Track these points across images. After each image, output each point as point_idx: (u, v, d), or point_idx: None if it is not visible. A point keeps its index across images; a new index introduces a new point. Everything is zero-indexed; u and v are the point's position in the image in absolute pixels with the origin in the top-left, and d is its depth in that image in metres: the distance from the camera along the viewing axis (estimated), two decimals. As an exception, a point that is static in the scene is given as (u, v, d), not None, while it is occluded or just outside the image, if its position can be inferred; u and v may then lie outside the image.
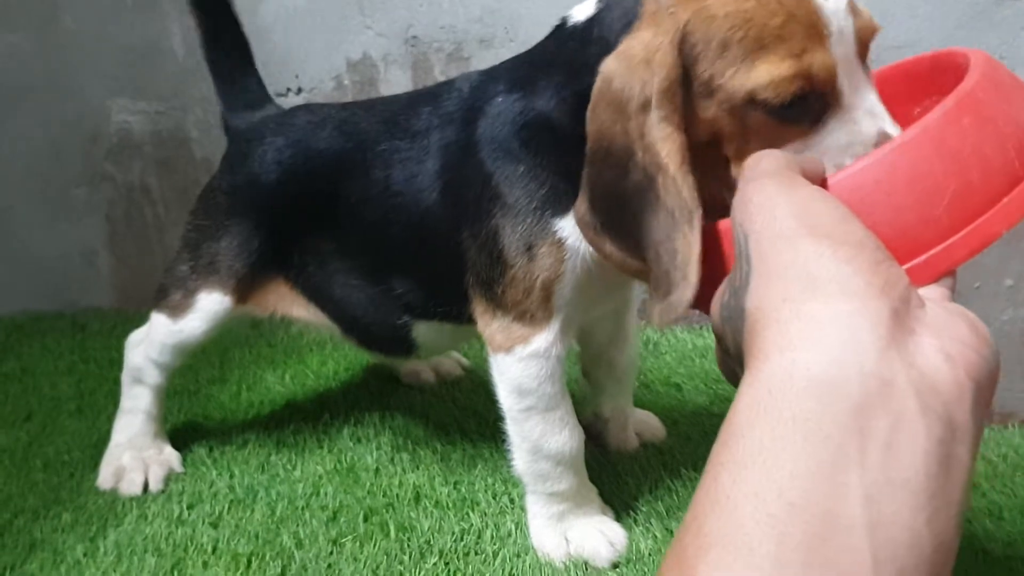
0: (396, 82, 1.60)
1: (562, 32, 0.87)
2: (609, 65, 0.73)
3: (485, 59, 1.52)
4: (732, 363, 0.61)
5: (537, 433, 0.95)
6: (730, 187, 0.71)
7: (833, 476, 0.44)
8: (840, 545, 0.43)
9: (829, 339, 0.47)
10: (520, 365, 0.93)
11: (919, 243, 0.58)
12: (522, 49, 1.45)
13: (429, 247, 0.98)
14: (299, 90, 1.66)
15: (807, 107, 0.69)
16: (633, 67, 0.71)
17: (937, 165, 0.59)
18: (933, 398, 0.46)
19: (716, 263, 0.67)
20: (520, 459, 0.98)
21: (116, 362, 1.27)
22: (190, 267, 1.15)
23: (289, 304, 1.14)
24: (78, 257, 1.93)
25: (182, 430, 1.33)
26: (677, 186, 0.68)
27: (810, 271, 0.50)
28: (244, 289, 1.13)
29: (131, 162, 1.83)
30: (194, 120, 1.75)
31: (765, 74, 0.67)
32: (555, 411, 0.95)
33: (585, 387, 1.20)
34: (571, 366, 1.29)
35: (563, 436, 0.96)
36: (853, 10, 0.70)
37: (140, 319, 1.24)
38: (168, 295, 1.17)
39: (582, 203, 0.77)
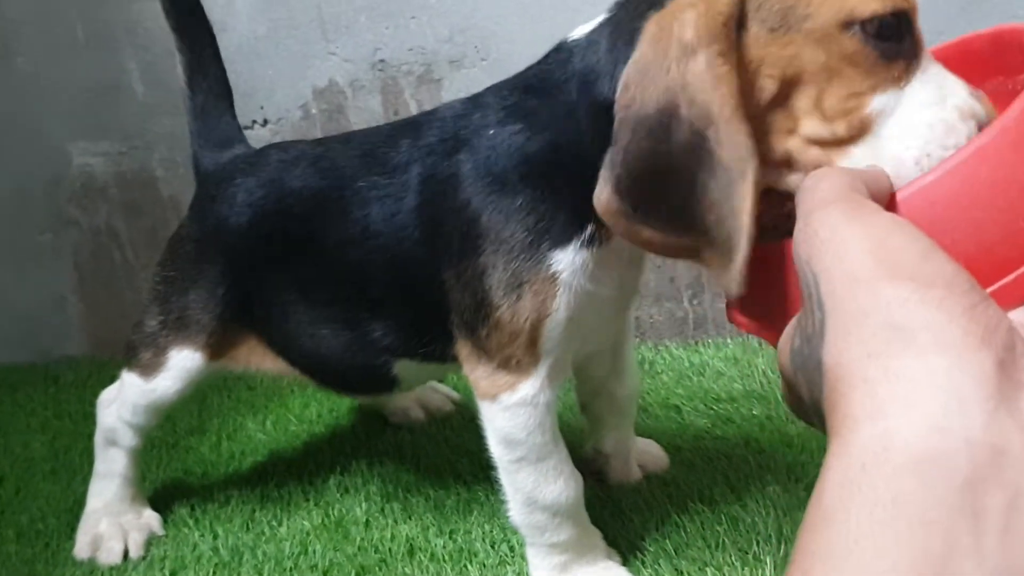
0: (366, 108, 1.54)
1: (562, 52, 0.80)
2: (649, 27, 0.66)
3: (456, 80, 1.47)
4: (806, 408, 0.54)
5: (530, 485, 0.90)
6: (788, 161, 0.65)
7: (944, 568, 0.37)
8: None
9: (927, 402, 0.41)
10: (507, 414, 0.87)
11: (1004, 261, 0.52)
12: (495, 68, 1.40)
13: (412, 289, 0.93)
14: (265, 122, 1.60)
15: (900, 44, 0.62)
16: (675, 17, 0.64)
17: (1020, 171, 0.52)
18: None
19: (782, 288, 0.60)
20: (516, 511, 0.92)
21: (91, 416, 1.21)
22: (159, 322, 1.09)
23: (261, 357, 1.08)
24: (48, 305, 1.87)
25: (161, 488, 1.27)
26: (731, 133, 0.61)
27: (895, 321, 0.44)
28: (216, 344, 1.07)
29: (96, 205, 1.77)
30: (159, 158, 1.69)
31: None
32: (547, 461, 0.90)
33: (584, 420, 1.14)
34: (567, 393, 1.24)
35: (558, 486, 0.90)
36: None
37: (114, 366, 1.18)
38: (138, 353, 1.11)
39: (605, 191, 0.68)
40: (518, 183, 0.81)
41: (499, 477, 0.92)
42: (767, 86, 0.64)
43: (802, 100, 0.64)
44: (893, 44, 0.62)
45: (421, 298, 0.92)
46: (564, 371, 0.90)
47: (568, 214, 0.80)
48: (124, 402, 1.13)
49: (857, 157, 0.63)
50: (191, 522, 1.17)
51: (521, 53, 1.21)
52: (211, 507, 1.20)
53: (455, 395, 1.41)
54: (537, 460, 0.89)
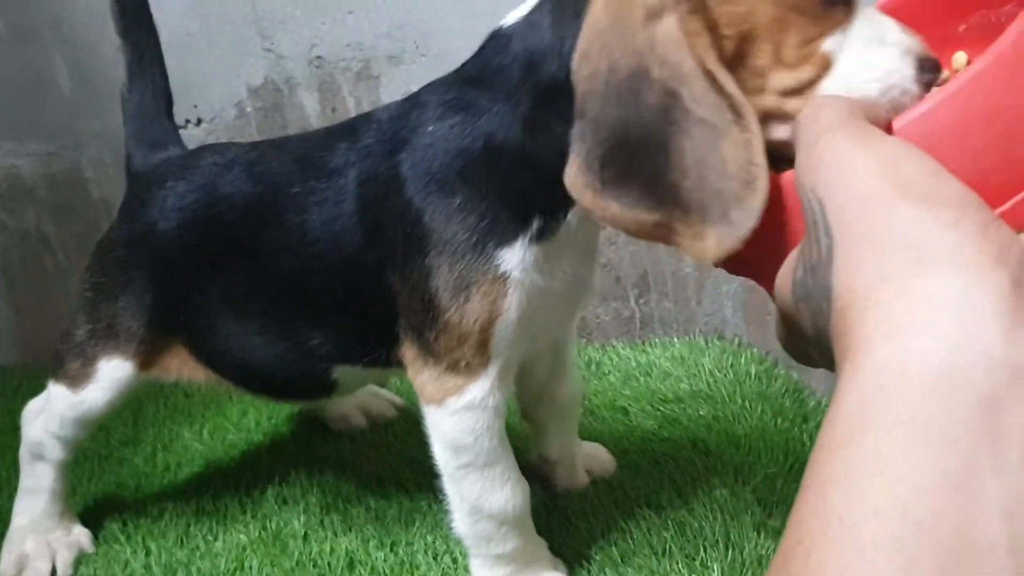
0: (302, 106, 1.50)
1: (498, 40, 0.78)
2: (599, 2, 0.65)
3: (396, 77, 1.43)
4: (807, 346, 0.54)
5: (476, 492, 0.87)
6: (769, 115, 0.65)
7: (966, 487, 0.36)
8: (980, 569, 0.36)
9: (945, 321, 0.40)
10: (454, 419, 0.85)
11: (1005, 187, 0.52)
12: (435, 64, 1.37)
13: (354, 295, 0.90)
14: (199, 120, 1.55)
15: None
16: None
17: (1016, 97, 0.51)
18: None
19: (774, 226, 0.59)
20: (460, 520, 0.90)
21: (19, 428, 1.16)
22: (88, 331, 1.05)
23: (192, 368, 1.04)
24: (-26, 313, 1.80)
25: (93, 502, 1.23)
26: (718, 84, 0.61)
27: (911, 240, 0.43)
28: (147, 353, 1.03)
29: (24, 208, 1.70)
30: (89, 159, 1.63)
31: None
32: (495, 467, 0.87)
33: (527, 427, 1.12)
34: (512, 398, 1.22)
35: (505, 493, 0.88)
36: None
37: (45, 376, 1.13)
38: (66, 363, 1.07)
39: (572, 166, 0.67)
40: (456, 181, 0.79)
41: (443, 486, 0.90)
42: (727, 45, 0.64)
43: (762, 55, 0.65)
44: None
45: (364, 304, 0.89)
46: (511, 375, 0.88)
47: (512, 210, 0.78)
48: (51, 414, 1.09)
49: (830, 91, 0.64)
50: (123, 538, 1.13)
51: (461, 48, 1.17)
52: (144, 522, 1.16)
53: (398, 400, 1.38)
54: (484, 466, 0.87)
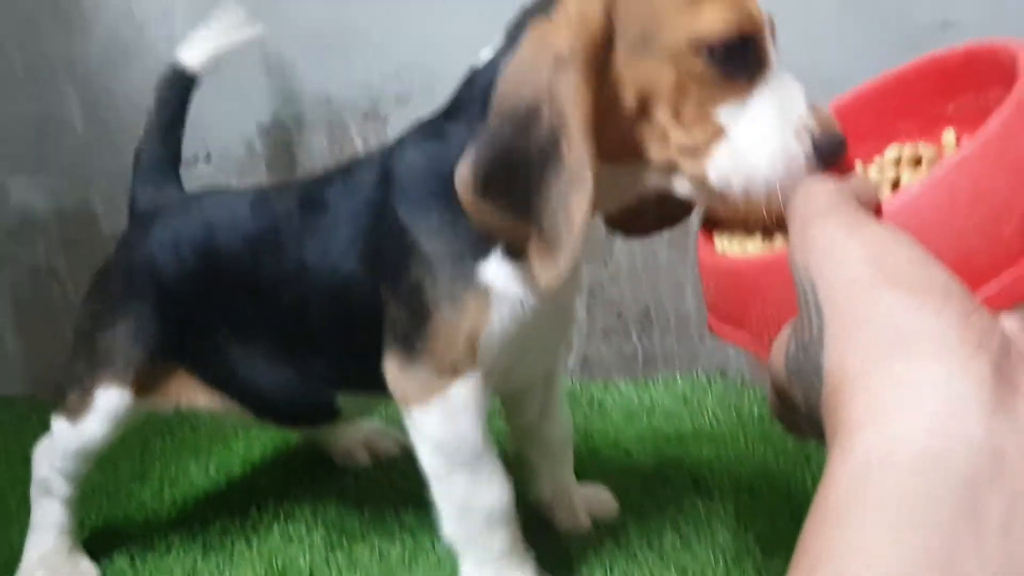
0: (311, 145, 1.52)
1: (469, 75, 0.85)
2: (531, 33, 0.73)
3: (403, 117, 1.43)
4: (798, 418, 0.55)
5: (463, 489, 0.90)
6: (671, 167, 0.73)
7: (948, 568, 0.37)
8: None
9: (928, 406, 0.41)
10: (440, 418, 0.88)
11: (988, 268, 0.53)
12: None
13: (352, 319, 0.94)
14: (208, 157, 1.57)
15: (745, 60, 0.69)
16: (554, 30, 0.71)
17: (1001, 180, 0.53)
18: None
19: (773, 298, 0.61)
20: (448, 522, 0.92)
21: (29, 460, 1.17)
22: (85, 362, 1.08)
23: (193, 394, 1.07)
24: (-16, 344, 1.82)
25: (101, 536, 1.23)
26: (578, 145, 0.70)
27: (897, 326, 0.44)
28: (144, 380, 1.06)
29: (35, 242, 1.72)
30: (99, 195, 1.66)
31: (711, 16, 0.68)
32: (479, 463, 0.90)
33: (521, 470, 1.13)
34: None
35: (492, 490, 0.91)
36: None
37: (54, 407, 1.13)
38: (66, 396, 1.09)
39: (467, 163, 0.76)
40: (432, 200, 0.85)
41: (431, 491, 0.92)
42: (628, 101, 0.72)
43: (661, 113, 0.71)
44: (737, 63, 0.69)
45: (360, 326, 0.93)
46: (495, 380, 0.91)
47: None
48: (55, 449, 1.11)
49: (720, 159, 0.70)
50: (131, 573, 1.13)
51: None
52: (151, 557, 1.17)
53: (403, 439, 1.39)
54: (469, 463, 0.90)
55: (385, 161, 0.91)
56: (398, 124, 1.44)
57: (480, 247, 0.83)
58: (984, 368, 0.42)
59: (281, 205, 0.99)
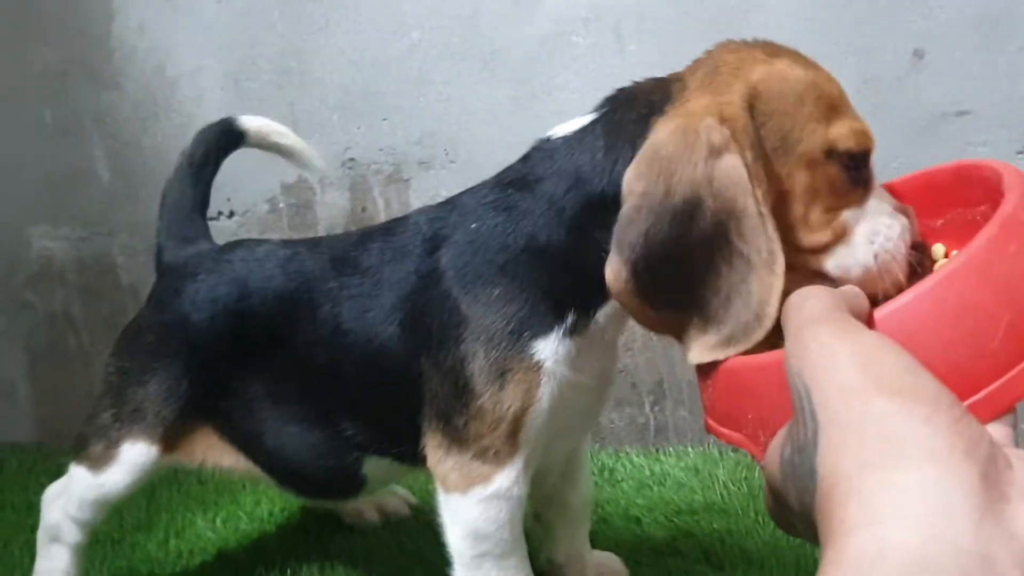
0: (333, 204, 1.55)
1: (543, 150, 0.85)
2: (664, 127, 0.73)
3: (425, 181, 1.48)
4: (793, 518, 0.57)
5: None
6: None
7: None
8: None
9: (919, 511, 0.43)
10: (479, 508, 0.86)
11: (975, 378, 0.55)
12: (463, 171, 1.42)
13: (385, 384, 0.92)
14: (231, 213, 1.60)
15: (865, 172, 0.75)
16: (697, 120, 0.72)
17: (987, 295, 0.56)
18: None
19: (752, 397, 0.63)
20: None
21: (34, 506, 1.17)
22: (112, 415, 1.07)
23: (218, 454, 1.05)
24: (-5, 389, 1.83)
25: (104, 586, 1.23)
26: (765, 228, 0.70)
27: (888, 433, 0.46)
28: (171, 437, 1.05)
29: (53, 290, 1.74)
30: (120, 246, 1.68)
31: (846, 126, 0.73)
32: (511, 557, 0.89)
33: (537, 530, 1.12)
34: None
35: None
36: None
37: (62, 455, 1.15)
38: (88, 446, 1.08)
39: (621, 271, 0.73)
40: (497, 273, 0.83)
41: (455, 573, 0.90)
42: (768, 198, 0.72)
43: (792, 215, 0.74)
44: (861, 173, 0.75)
45: (394, 393, 0.92)
46: (535, 467, 0.90)
47: (549, 303, 0.82)
48: (71, 497, 1.10)
49: (841, 255, 0.74)
50: (133, 625, 1.13)
51: (488, 157, 1.22)
52: (155, 611, 1.16)
53: (413, 499, 1.39)
54: (501, 556, 0.88)
55: (436, 230, 0.89)
56: (420, 187, 1.48)
57: (544, 323, 0.82)
58: (972, 475, 0.44)
59: (315, 265, 0.98)
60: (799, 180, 0.74)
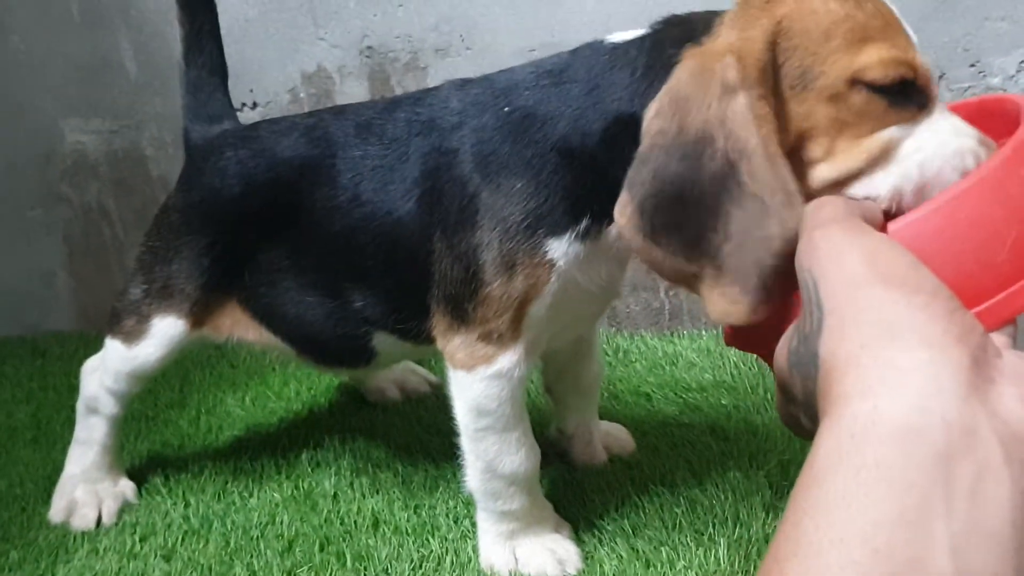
0: (352, 94, 1.56)
1: (595, 49, 0.84)
2: (685, 66, 0.71)
3: (442, 68, 1.48)
4: (796, 410, 0.61)
5: (492, 453, 0.93)
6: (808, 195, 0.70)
7: (919, 524, 0.44)
8: None
9: (911, 386, 0.47)
10: (481, 385, 0.90)
11: (981, 290, 0.58)
12: (480, 57, 1.42)
13: (397, 259, 0.94)
14: (254, 104, 1.62)
15: (909, 96, 0.69)
16: (716, 59, 0.69)
17: (997, 212, 0.59)
18: (1017, 448, 0.46)
19: (785, 309, 0.66)
20: (473, 477, 0.95)
21: (75, 388, 1.23)
22: (143, 291, 1.11)
23: (244, 328, 1.10)
24: (36, 280, 1.89)
25: (139, 459, 1.30)
26: (775, 168, 0.66)
27: (886, 318, 0.51)
28: (199, 313, 1.09)
29: (87, 183, 1.79)
30: (149, 138, 1.71)
31: (874, 55, 0.68)
32: (512, 431, 0.93)
33: (549, 402, 1.17)
34: (535, 374, 1.26)
35: (519, 457, 0.93)
36: None
37: (101, 341, 1.19)
38: (121, 320, 1.13)
39: (627, 208, 0.72)
40: (523, 166, 0.84)
41: (461, 444, 0.95)
42: (784, 139, 0.69)
43: (815, 151, 0.70)
44: (902, 96, 0.69)
45: (403, 270, 0.94)
46: (538, 351, 0.93)
47: (567, 205, 0.83)
48: (107, 369, 1.15)
49: (878, 180, 0.69)
50: (164, 491, 1.19)
51: (505, 43, 1.23)
52: (185, 477, 1.22)
53: (433, 378, 1.44)
54: (503, 430, 0.92)
55: (465, 108, 0.89)
56: (437, 75, 1.49)
57: (560, 222, 0.83)
58: (963, 358, 0.48)
59: (340, 132, 0.98)
60: (821, 115, 0.69)
